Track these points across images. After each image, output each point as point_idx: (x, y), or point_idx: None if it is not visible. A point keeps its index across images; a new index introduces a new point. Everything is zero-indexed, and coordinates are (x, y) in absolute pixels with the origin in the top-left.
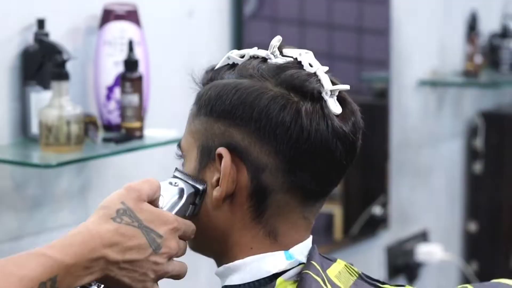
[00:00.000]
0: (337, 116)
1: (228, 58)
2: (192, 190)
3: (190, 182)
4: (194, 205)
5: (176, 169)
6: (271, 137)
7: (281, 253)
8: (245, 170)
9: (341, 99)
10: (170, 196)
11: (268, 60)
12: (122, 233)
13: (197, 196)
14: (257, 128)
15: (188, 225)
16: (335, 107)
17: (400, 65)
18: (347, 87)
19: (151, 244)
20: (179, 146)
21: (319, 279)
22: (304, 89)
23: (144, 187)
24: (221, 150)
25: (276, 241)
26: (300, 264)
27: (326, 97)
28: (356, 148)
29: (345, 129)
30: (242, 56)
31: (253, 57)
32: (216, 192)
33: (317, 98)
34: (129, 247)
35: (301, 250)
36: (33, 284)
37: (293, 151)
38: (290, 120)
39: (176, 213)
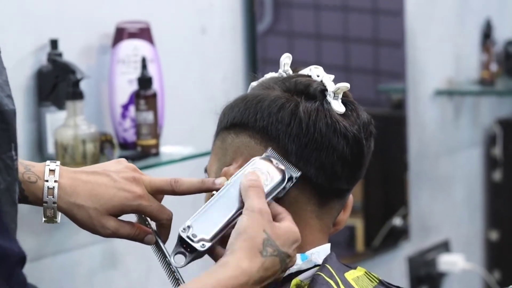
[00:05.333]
0: (341, 116)
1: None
2: (289, 175)
3: (288, 166)
4: (284, 188)
5: (271, 149)
6: (273, 134)
7: (297, 255)
8: None
9: (349, 103)
10: (275, 178)
11: None
12: (266, 267)
13: (289, 181)
14: (261, 128)
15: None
16: (338, 107)
17: (416, 76)
18: (347, 85)
19: (282, 266)
20: (205, 170)
21: (331, 282)
22: (306, 91)
23: (265, 204)
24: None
25: None
26: (316, 266)
27: (330, 98)
28: (362, 147)
29: (346, 124)
30: None
31: None
32: None
33: (318, 97)
34: (269, 277)
35: (318, 252)
36: None
37: (295, 145)
38: (290, 116)
39: (274, 196)
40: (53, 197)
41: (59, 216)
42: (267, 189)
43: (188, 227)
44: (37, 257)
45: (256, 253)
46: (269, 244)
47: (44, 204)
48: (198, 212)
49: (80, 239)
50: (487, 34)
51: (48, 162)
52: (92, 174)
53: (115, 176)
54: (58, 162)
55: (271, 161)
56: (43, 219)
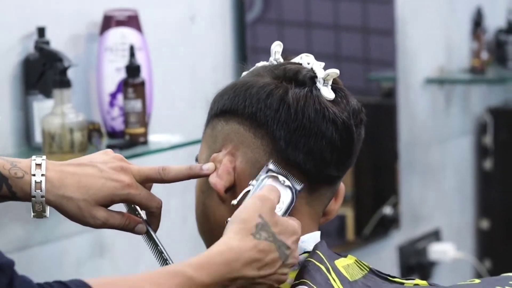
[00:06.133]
0: (331, 102)
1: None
2: (294, 189)
3: (291, 179)
4: (293, 203)
5: (272, 161)
6: (262, 120)
7: None
8: (242, 156)
9: (339, 90)
10: (286, 198)
11: None
12: (260, 249)
13: (297, 197)
14: (250, 115)
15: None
16: (327, 93)
17: (406, 64)
18: (337, 71)
19: (281, 256)
20: (196, 159)
21: (322, 267)
22: (295, 77)
23: (274, 197)
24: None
25: None
26: (305, 252)
27: (319, 85)
28: (351, 133)
29: (335, 110)
30: None
31: None
32: (218, 186)
33: (307, 84)
34: (265, 263)
35: (307, 239)
36: None
37: (284, 131)
38: (278, 102)
39: (287, 215)
40: (41, 191)
41: (48, 210)
42: (281, 213)
43: None
44: (25, 246)
45: (248, 234)
46: (264, 229)
47: (32, 198)
48: None
49: (67, 229)
50: (478, 22)
51: (34, 156)
52: (79, 166)
53: (102, 167)
54: (44, 156)
55: (278, 179)
56: (32, 214)
